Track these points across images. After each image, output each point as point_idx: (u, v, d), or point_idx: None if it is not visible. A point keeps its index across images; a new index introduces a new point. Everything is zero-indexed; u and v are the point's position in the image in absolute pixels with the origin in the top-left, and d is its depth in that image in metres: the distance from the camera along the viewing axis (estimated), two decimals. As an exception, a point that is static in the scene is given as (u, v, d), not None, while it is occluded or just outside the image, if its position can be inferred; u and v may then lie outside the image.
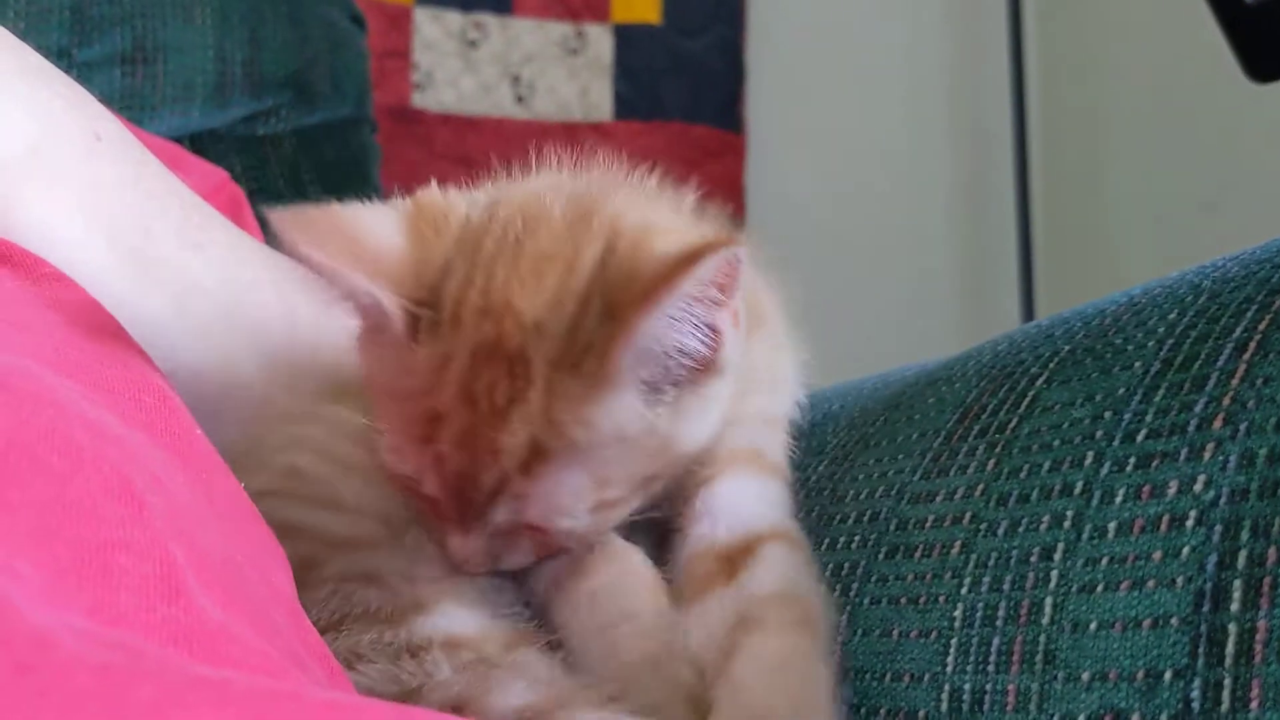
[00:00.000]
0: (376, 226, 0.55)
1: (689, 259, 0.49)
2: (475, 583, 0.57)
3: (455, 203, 0.57)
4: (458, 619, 0.55)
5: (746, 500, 0.59)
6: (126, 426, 0.45)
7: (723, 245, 0.49)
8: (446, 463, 0.52)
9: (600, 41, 2.02)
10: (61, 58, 1.16)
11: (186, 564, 0.38)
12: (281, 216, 0.51)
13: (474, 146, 1.92)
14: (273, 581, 0.48)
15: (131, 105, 1.18)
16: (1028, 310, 2.09)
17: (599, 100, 2.01)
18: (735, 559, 0.57)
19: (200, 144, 1.21)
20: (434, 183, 0.59)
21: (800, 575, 0.57)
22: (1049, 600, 0.50)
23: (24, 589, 0.30)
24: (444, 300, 0.53)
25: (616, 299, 0.51)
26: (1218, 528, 0.45)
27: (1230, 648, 0.43)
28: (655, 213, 0.58)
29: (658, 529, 0.61)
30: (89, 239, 0.62)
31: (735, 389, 0.59)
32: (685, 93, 2.03)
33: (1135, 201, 2.01)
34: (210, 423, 0.58)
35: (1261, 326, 0.51)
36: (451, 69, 1.95)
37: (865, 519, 0.61)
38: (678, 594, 0.58)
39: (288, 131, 1.27)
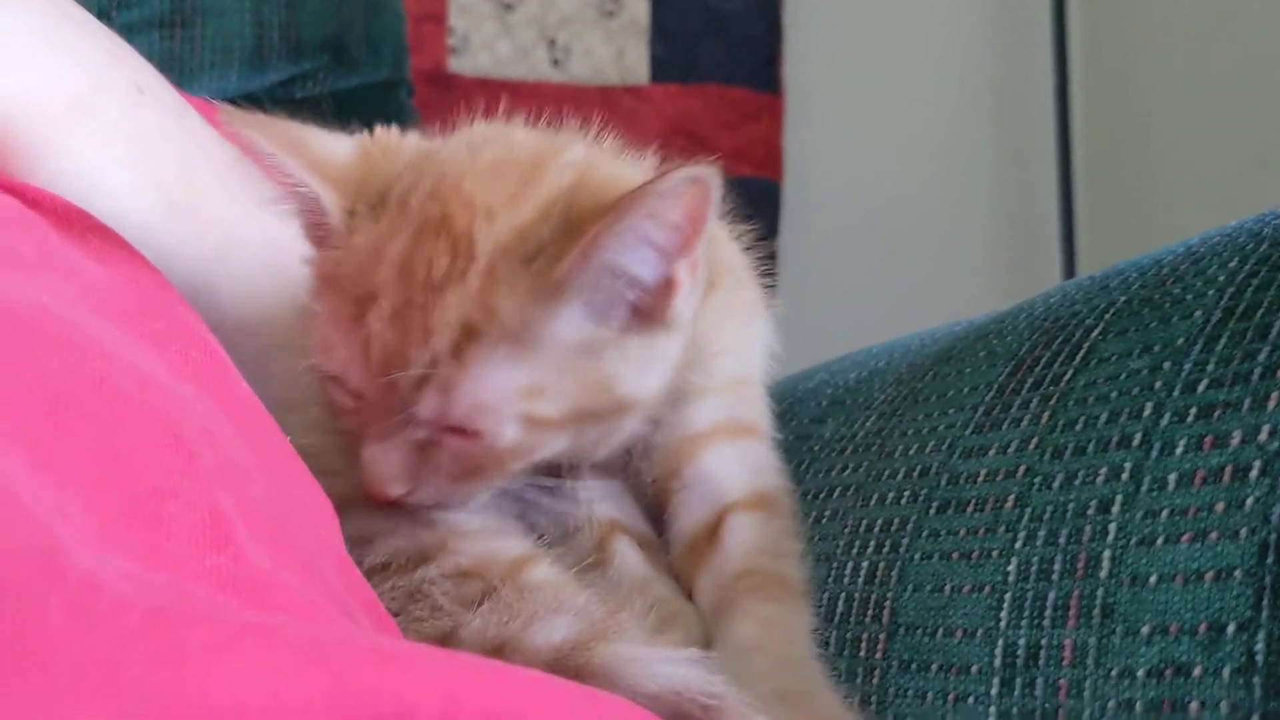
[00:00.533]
0: (326, 140, 0.58)
1: (658, 177, 0.48)
2: (479, 517, 0.57)
3: (410, 138, 0.59)
4: (461, 552, 0.54)
5: (722, 472, 0.59)
6: (174, 378, 0.45)
7: (690, 165, 0.48)
8: (374, 344, 0.51)
9: (636, 3, 2.00)
10: (101, 20, 1.16)
11: (235, 514, 0.38)
12: (231, 109, 0.53)
13: (510, 111, 1.91)
14: (320, 533, 0.48)
15: (170, 69, 1.18)
16: (1069, 274, 2.06)
17: (635, 63, 2.00)
18: (710, 536, 0.58)
19: (238, 108, 1.20)
20: (394, 126, 0.61)
21: (766, 540, 0.57)
22: (1107, 554, 0.49)
23: (74, 533, 0.30)
24: (389, 197, 0.53)
25: (580, 214, 0.50)
26: (1284, 477, 0.44)
27: (1297, 599, 0.42)
28: (628, 169, 0.57)
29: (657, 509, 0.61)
30: (133, 190, 0.62)
31: (696, 354, 0.58)
32: (722, 54, 2.01)
33: (1181, 160, 1.97)
34: (253, 378, 0.57)
35: (1328, 272, 0.49)
36: (487, 32, 1.94)
37: (915, 474, 0.60)
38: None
39: (325, 95, 1.27)
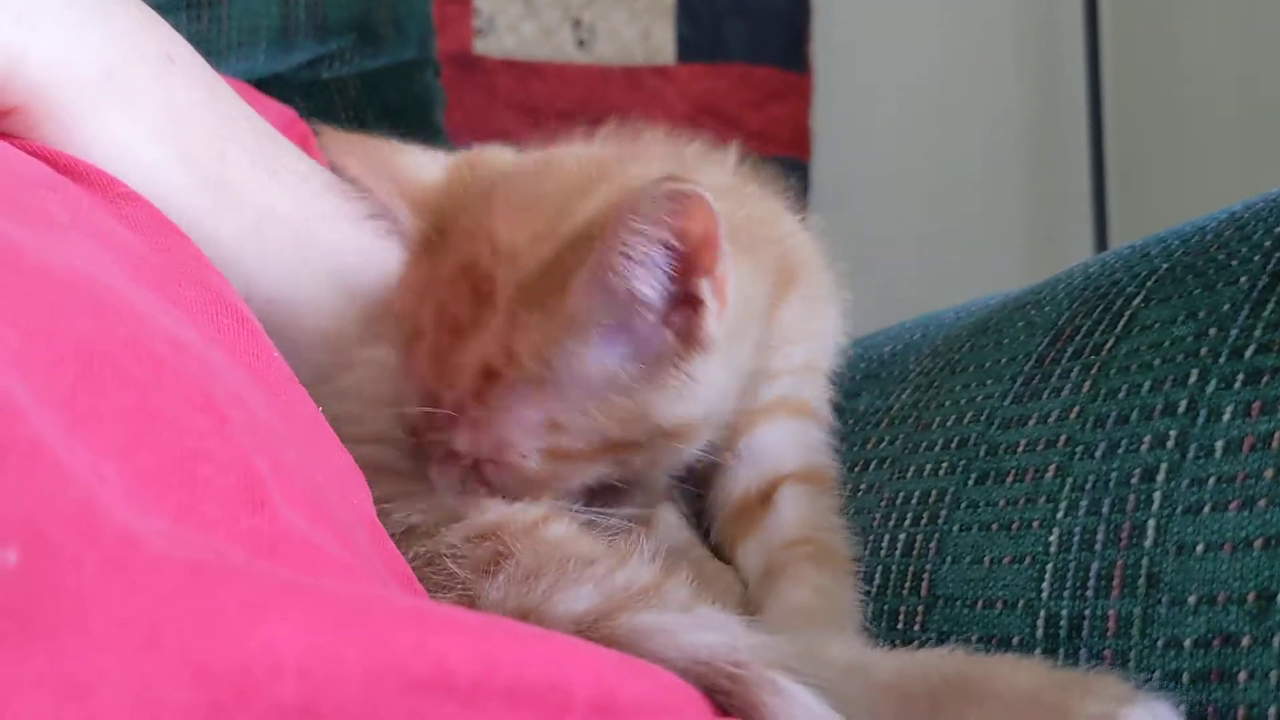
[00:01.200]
0: (418, 158, 0.59)
1: (634, 191, 0.47)
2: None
3: (505, 155, 0.60)
4: (482, 512, 0.55)
5: (778, 444, 0.59)
6: (206, 344, 0.45)
7: (667, 180, 0.46)
8: (416, 380, 0.54)
9: (662, -17, 1.99)
10: (128, 0, 1.16)
11: (270, 477, 0.38)
12: (329, 131, 0.55)
13: (536, 92, 1.90)
14: (353, 502, 0.47)
15: (198, 49, 1.17)
16: (1101, 250, 2.04)
17: (661, 43, 1.98)
18: (762, 503, 0.58)
19: (265, 88, 1.20)
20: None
21: (817, 513, 0.58)
22: (1152, 522, 0.48)
23: (111, 492, 0.30)
24: (445, 225, 0.55)
25: (578, 241, 0.50)
26: (1337, 442, 0.43)
27: (1352, 566, 0.41)
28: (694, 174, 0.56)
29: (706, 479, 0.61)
30: (164, 161, 0.62)
31: (774, 344, 0.59)
32: (749, 33, 1.99)
33: (1214, 134, 1.94)
34: (283, 349, 0.57)
35: (1381, 234, 0.48)
36: (513, 14, 1.93)
37: (953, 445, 0.59)
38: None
39: (352, 75, 1.26)
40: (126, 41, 0.62)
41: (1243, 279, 0.52)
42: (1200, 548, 0.46)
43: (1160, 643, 0.46)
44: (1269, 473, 0.45)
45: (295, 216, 0.69)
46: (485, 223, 0.53)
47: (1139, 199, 2.08)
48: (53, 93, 0.58)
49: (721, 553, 0.59)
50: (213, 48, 1.19)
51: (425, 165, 0.59)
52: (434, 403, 0.53)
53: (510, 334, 0.51)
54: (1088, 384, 0.54)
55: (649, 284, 0.50)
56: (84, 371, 0.34)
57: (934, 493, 0.58)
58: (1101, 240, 2.06)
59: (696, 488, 0.61)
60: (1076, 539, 0.50)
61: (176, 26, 1.19)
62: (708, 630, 0.42)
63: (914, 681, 0.42)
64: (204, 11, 1.19)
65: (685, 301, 0.51)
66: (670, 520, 0.59)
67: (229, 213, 0.65)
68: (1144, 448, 0.50)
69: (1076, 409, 0.54)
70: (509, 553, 0.49)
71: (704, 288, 0.51)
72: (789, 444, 0.60)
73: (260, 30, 1.22)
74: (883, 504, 0.60)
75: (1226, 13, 1.92)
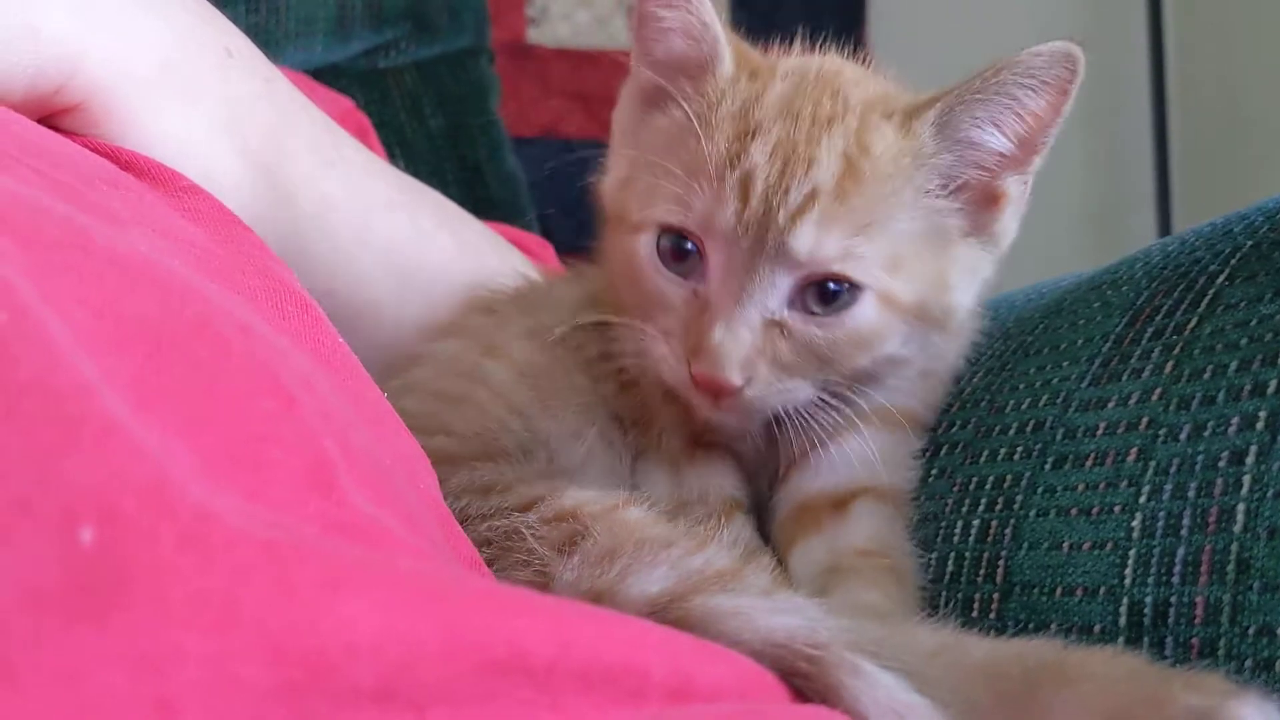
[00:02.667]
0: None
1: (1028, 52, 0.53)
2: (587, 474, 0.58)
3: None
4: (559, 496, 0.53)
5: (867, 456, 0.58)
6: (272, 330, 0.44)
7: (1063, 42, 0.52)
8: (756, 176, 0.52)
9: (716, -31, 1.97)
10: (187, -6, 1.16)
11: (338, 460, 0.37)
12: None
13: (590, 81, 1.89)
14: (420, 487, 0.47)
15: (256, 41, 1.18)
16: (1165, 234, 2.00)
17: (716, 30, 1.97)
18: (835, 509, 0.58)
19: (322, 79, 1.21)
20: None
21: (894, 534, 0.57)
22: (1241, 506, 0.46)
23: (182, 469, 0.29)
24: (759, 69, 0.58)
25: (929, 94, 0.56)
26: None
27: None
28: None
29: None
30: (224, 153, 0.62)
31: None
32: (804, 17, 1.97)
33: (1277, 117, 1.89)
34: (345, 339, 0.57)
35: None
36: (566, 3, 1.92)
37: (1029, 429, 0.57)
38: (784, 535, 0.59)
39: (408, 64, 1.27)
40: (184, 35, 0.62)
41: (1334, 254, 0.50)
42: (1294, 532, 0.44)
43: (1252, 630, 0.44)
44: (1367, 454, 0.43)
45: (353, 207, 0.68)
46: (816, 61, 0.59)
47: (1203, 185, 2.03)
48: (113, 89, 0.58)
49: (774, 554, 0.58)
50: (270, 39, 1.20)
51: None
52: (779, 195, 0.52)
53: (866, 132, 0.54)
54: (1170, 365, 0.53)
55: (993, 141, 0.55)
56: (153, 352, 0.34)
57: (1009, 477, 0.56)
58: (1166, 225, 2.01)
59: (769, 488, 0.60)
60: (1161, 524, 0.48)
61: (234, 18, 1.20)
62: (786, 613, 0.41)
63: (1008, 663, 0.41)
64: (262, 3, 1.20)
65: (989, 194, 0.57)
66: (745, 531, 0.58)
67: (288, 203, 0.65)
68: (1231, 430, 0.48)
69: (1159, 390, 0.52)
70: (586, 533, 0.48)
71: (1013, 182, 0.57)
72: (879, 458, 0.58)
73: (317, 21, 1.22)
74: (955, 489, 0.59)
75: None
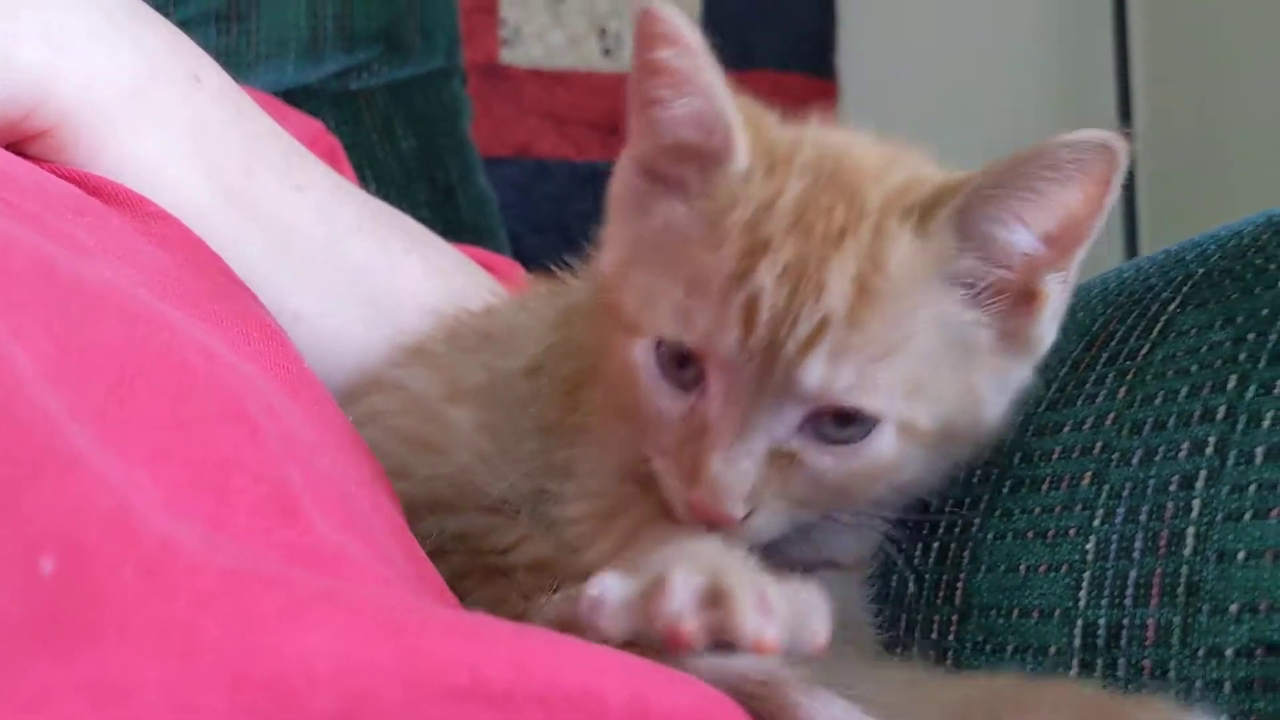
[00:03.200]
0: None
1: (1055, 139, 0.46)
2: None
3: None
4: (533, 544, 0.54)
5: (840, 545, 0.56)
6: (238, 357, 0.45)
7: (1099, 130, 0.45)
8: (763, 301, 0.47)
9: (688, -9, 1.99)
10: (158, 15, 1.17)
11: (303, 487, 0.38)
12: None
13: (562, 102, 1.91)
14: (386, 515, 0.47)
15: (227, 62, 1.18)
16: (1131, 256, 2.02)
17: (687, 52, 1.98)
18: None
19: (293, 100, 1.21)
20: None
21: (847, 597, 0.54)
22: (1191, 530, 0.47)
23: (146, 500, 0.30)
24: (776, 155, 0.51)
25: (950, 183, 0.49)
26: (1382, 447, 0.42)
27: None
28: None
29: None
30: (192, 178, 0.62)
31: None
32: (776, 41, 1.99)
33: (1245, 144, 1.93)
34: (313, 367, 0.57)
35: None
36: (539, 23, 1.93)
37: (987, 451, 0.58)
38: None
39: (380, 85, 1.27)
40: (154, 62, 0.62)
41: (1281, 283, 0.51)
42: (1242, 555, 0.45)
43: (1201, 652, 0.45)
44: (1311, 479, 0.44)
45: (321, 232, 0.69)
46: (832, 147, 0.52)
47: (1170, 211, 2.06)
48: (83, 114, 0.58)
49: None
50: (242, 60, 1.20)
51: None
52: (787, 324, 0.47)
53: (881, 246, 0.48)
54: (1124, 390, 0.54)
55: (1019, 239, 0.49)
56: (117, 382, 0.34)
57: (967, 500, 0.57)
58: (1132, 248, 2.04)
59: None
60: (1114, 547, 0.50)
61: (206, 39, 1.20)
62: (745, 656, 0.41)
63: (973, 696, 0.41)
64: (233, 24, 1.20)
65: (1023, 295, 0.50)
66: None
67: (256, 229, 0.65)
68: (1182, 454, 0.49)
69: (1113, 415, 0.53)
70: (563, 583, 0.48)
71: (1052, 280, 0.50)
72: (855, 542, 0.56)
73: (289, 42, 1.23)
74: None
75: (1259, 27, 1.91)
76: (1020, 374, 0.52)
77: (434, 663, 0.29)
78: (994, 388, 0.51)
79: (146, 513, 0.28)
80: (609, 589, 0.40)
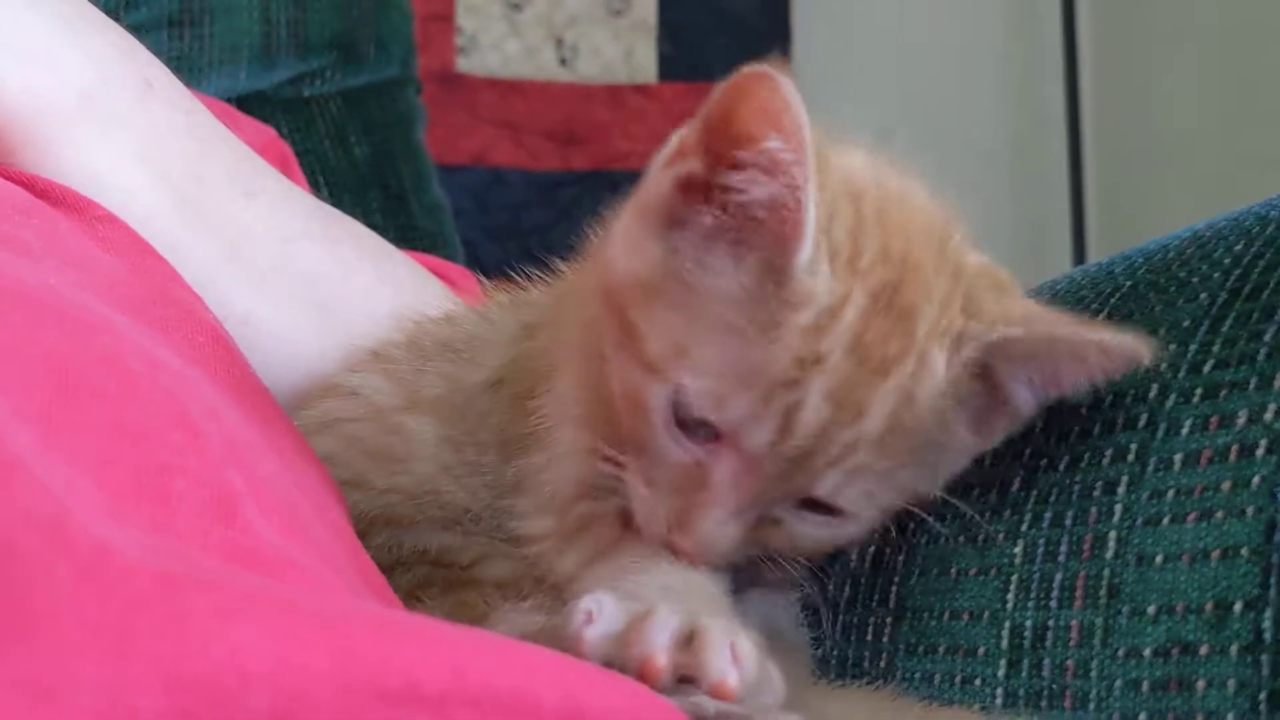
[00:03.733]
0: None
1: (1118, 344, 0.48)
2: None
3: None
4: (494, 563, 0.55)
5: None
6: (181, 361, 0.45)
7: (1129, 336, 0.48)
8: (806, 415, 0.47)
9: (644, 2, 2.00)
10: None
11: (245, 491, 0.38)
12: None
13: (518, 110, 1.91)
14: (330, 519, 0.48)
15: (179, 68, 1.18)
16: (1079, 264, 2.06)
17: (643, 62, 2.00)
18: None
19: (247, 106, 1.21)
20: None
21: (782, 615, 0.57)
22: (1113, 534, 0.49)
23: (85, 505, 0.31)
24: (835, 236, 0.49)
25: (987, 305, 0.50)
26: (1290, 455, 0.44)
27: (1304, 576, 0.42)
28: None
29: None
30: (141, 184, 0.63)
31: None
32: (731, 52, 2.00)
33: (1191, 154, 1.96)
34: (263, 372, 0.58)
35: (1334, 252, 0.49)
36: (495, 32, 1.94)
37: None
38: None
39: (333, 93, 1.27)
40: (105, 67, 0.62)
41: (1203, 295, 0.53)
42: (1160, 558, 0.47)
43: (1121, 652, 0.47)
44: (1226, 485, 0.46)
45: (272, 238, 0.69)
46: (896, 245, 0.49)
47: (1117, 223, 2.10)
48: (31, 118, 0.58)
49: None
50: (195, 66, 1.20)
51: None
52: (821, 440, 0.47)
53: (918, 381, 0.48)
54: (1052, 398, 0.55)
55: (1023, 393, 0.52)
56: (59, 387, 0.35)
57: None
58: (1080, 257, 2.08)
59: None
60: (1040, 550, 0.51)
61: (158, 44, 1.19)
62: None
63: None
64: (186, 30, 1.20)
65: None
66: None
67: (206, 234, 0.65)
68: (1106, 461, 0.51)
69: (1041, 422, 0.55)
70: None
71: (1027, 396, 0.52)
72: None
73: (242, 48, 1.22)
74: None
75: (1205, 32, 1.95)
76: (973, 452, 0.54)
77: (368, 664, 0.30)
78: (951, 467, 0.53)
79: (83, 517, 0.28)
80: (605, 611, 0.42)
